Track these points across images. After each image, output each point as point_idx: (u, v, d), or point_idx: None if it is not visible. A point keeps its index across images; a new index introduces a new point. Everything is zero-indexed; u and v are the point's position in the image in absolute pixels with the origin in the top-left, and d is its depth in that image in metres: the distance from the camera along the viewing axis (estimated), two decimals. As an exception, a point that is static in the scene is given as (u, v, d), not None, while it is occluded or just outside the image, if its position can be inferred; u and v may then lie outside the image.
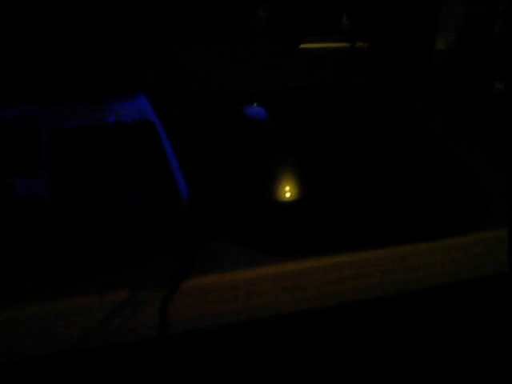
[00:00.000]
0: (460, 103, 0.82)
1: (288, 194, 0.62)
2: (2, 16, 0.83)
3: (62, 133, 0.68)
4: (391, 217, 0.64)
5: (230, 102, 0.75)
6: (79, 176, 0.63)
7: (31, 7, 0.85)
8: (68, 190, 0.62)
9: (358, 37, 0.89)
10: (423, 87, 0.83)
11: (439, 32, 0.87)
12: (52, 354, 0.59)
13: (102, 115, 0.72)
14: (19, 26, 0.86)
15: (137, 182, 0.62)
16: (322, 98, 0.77)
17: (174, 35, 0.93)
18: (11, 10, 0.83)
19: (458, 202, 0.67)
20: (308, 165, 0.66)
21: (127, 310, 0.58)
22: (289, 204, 0.62)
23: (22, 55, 0.84)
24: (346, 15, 0.89)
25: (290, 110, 0.74)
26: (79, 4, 0.85)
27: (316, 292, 0.63)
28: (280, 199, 0.62)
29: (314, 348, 0.77)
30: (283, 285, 0.62)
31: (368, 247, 0.63)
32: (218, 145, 0.69)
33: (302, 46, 0.92)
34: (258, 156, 0.66)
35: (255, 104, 0.73)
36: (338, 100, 0.77)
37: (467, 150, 0.72)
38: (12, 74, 0.81)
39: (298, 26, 0.93)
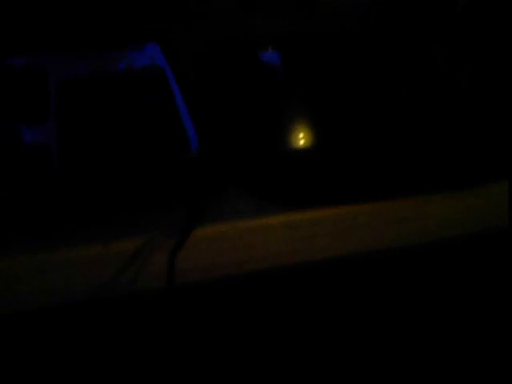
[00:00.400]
0: (484, 51, 0.79)
1: (300, 143, 0.60)
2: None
3: (70, 80, 0.67)
4: (408, 166, 0.62)
5: (243, 47, 0.72)
6: (86, 124, 0.61)
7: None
8: (74, 138, 0.60)
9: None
10: (446, 34, 0.80)
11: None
12: (53, 305, 0.58)
13: (112, 63, 0.70)
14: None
15: (145, 130, 0.61)
16: (339, 44, 0.75)
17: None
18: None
19: (482, 149, 0.64)
20: (322, 113, 0.64)
21: (133, 259, 0.57)
22: (300, 153, 0.60)
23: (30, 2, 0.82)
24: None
25: (306, 55, 0.71)
26: None
27: (328, 241, 0.62)
28: (292, 148, 0.60)
29: (326, 298, 0.76)
30: (295, 234, 0.60)
31: (383, 197, 0.61)
32: (230, 91, 0.67)
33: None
34: (271, 103, 0.64)
35: (270, 49, 0.71)
36: (357, 47, 0.74)
37: (489, 97, 0.70)
38: (19, 21, 0.80)
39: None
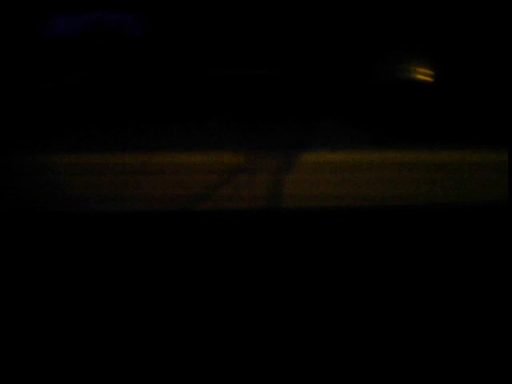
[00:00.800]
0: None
1: (414, 75, 0.59)
2: None
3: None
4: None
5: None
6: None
7: None
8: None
9: None
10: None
11: None
12: (154, 212, 0.57)
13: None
14: None
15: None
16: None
17: None
18: None
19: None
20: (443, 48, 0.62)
21: (239, 176, 0.56)
22: (411, 87, 0.60)
23: None
24: None
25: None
26: None
27: (416, 189, 0.62)
28: (402, 81, 0.59)
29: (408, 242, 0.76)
30: (397, 176, 0.60)
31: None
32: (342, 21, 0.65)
33: None
34: (392, 33, 0.63)
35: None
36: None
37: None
38: None
39: None
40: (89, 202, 0.58)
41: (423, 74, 0.61)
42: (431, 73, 0.60)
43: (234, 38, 0.62)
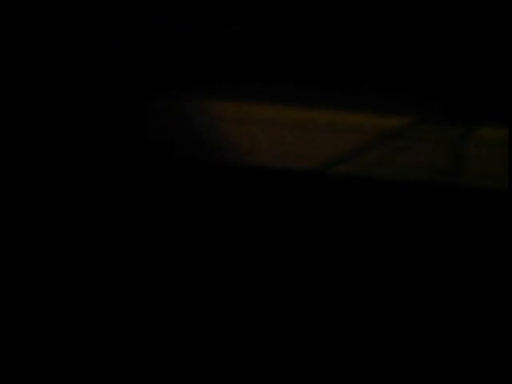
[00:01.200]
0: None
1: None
2: None
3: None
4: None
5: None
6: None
7: None
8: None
9: None
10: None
11: None
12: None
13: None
14: None
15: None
16: None
17: None
18: None
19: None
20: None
21: (397, 141, 0.54)
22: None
23: None
24: None
25: None
26: None
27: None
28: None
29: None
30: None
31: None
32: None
33: None
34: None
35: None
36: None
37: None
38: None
39: None
40: (222, 152, 0.55)
41: None
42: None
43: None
